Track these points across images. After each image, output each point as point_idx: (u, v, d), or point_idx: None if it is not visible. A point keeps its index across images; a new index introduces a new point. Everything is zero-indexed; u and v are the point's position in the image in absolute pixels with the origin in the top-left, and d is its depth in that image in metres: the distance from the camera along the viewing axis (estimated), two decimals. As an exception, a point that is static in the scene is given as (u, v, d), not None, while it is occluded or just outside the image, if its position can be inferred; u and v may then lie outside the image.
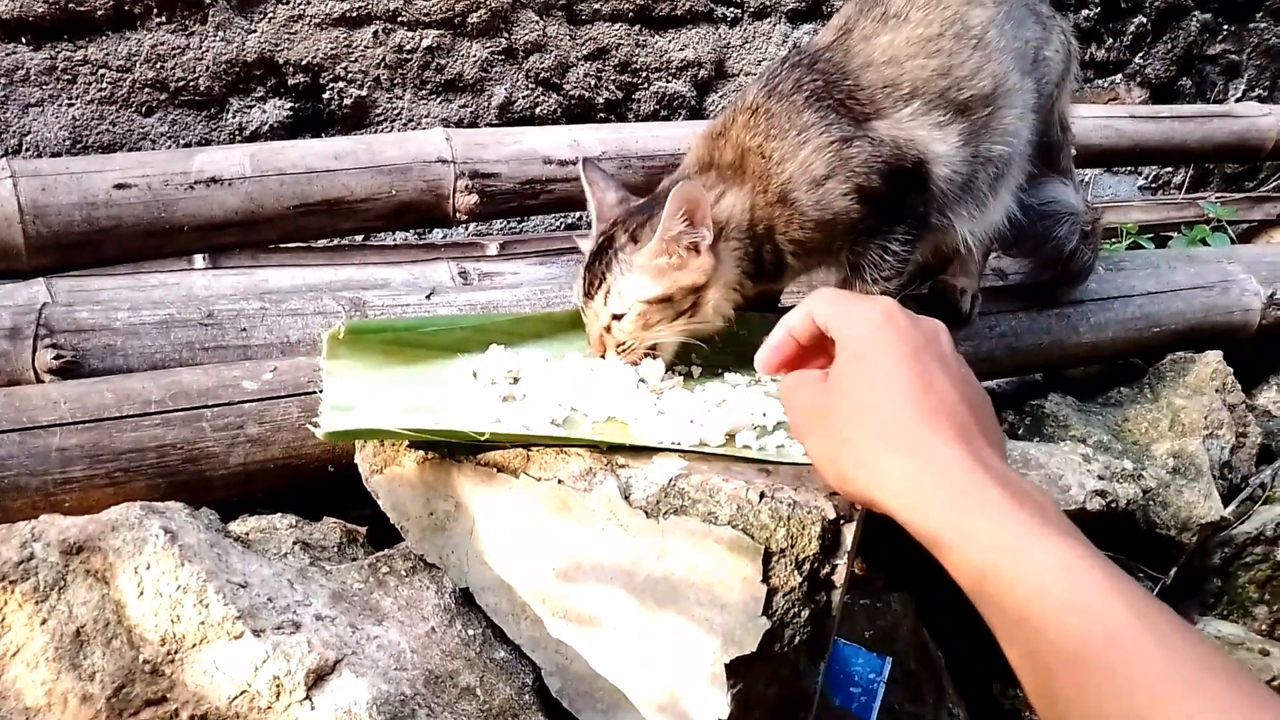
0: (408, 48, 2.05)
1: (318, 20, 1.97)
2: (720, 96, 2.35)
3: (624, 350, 1.04)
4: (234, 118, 2.00)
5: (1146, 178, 2.90)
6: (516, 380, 1.00)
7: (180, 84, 1.94)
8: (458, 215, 1.46)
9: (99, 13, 1.84)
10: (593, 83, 2.23)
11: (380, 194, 1.40)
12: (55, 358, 1.07)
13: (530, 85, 2.19)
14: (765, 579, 0.79)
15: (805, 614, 0.80)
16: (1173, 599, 1.41)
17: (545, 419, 0.91)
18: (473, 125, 2.16)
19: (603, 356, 1.05)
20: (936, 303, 1.39)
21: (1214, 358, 1.60)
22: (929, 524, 0.62)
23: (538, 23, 2.14)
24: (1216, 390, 1.56)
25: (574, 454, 0.87)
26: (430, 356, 1.04)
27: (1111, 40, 2.72)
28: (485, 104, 2.17)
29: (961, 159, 1.17)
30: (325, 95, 2.04)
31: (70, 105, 1.88)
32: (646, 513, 0.82)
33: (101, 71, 1.88)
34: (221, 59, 1.94)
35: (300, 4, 1.95)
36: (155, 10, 1.87)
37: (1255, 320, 1.73)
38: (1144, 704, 0.50)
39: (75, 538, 0.79)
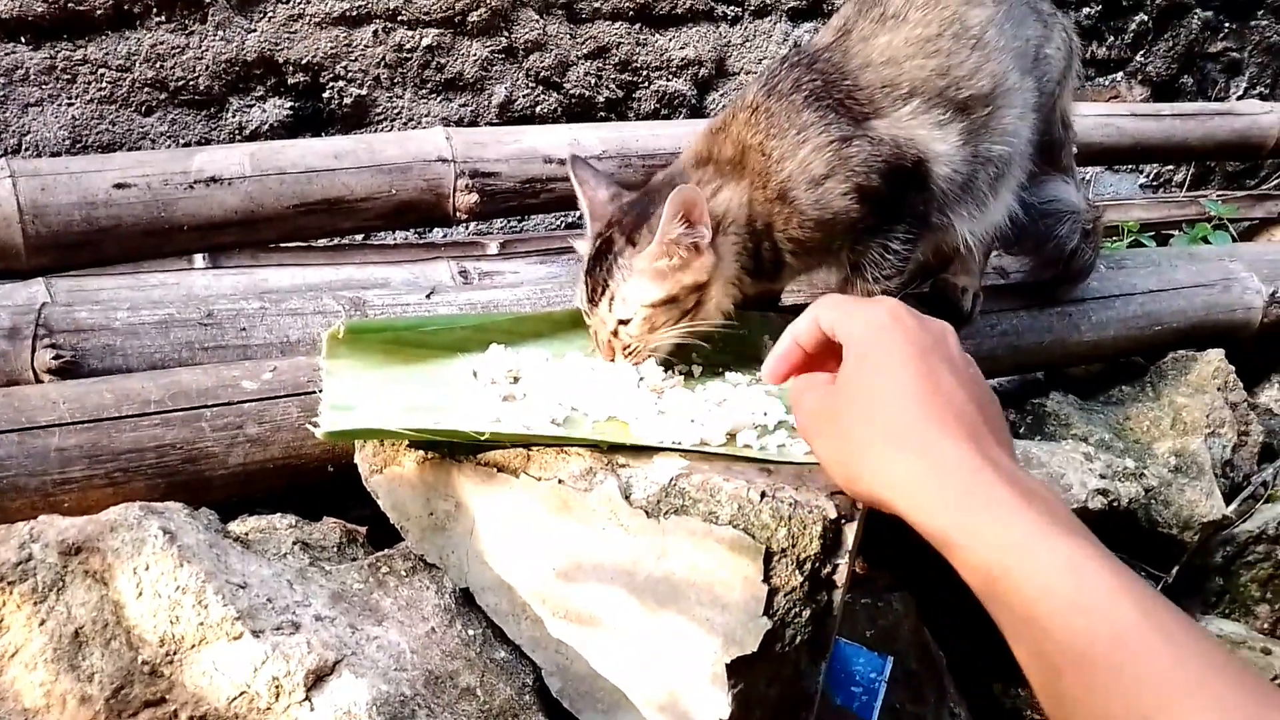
0: (408, 47, 2.05)
1: (317, 19, 1.97)
2: (721, 95, 2.35)
3: (631, 353, 1.03)
4: (234, 117, 2.00)
5: (1148, 176, 2.89)
6: (517, 379, 1.00)
7: (180, 83, 1.93)
8: (458, 214, 1.46)
9: (98, 12, 1.83)
10: (593, 81, 2.23)
11: (380, 193, 1.39)
12: (54, 358, 1.07)
13: (530, 84, 2.18)
14: (766, 579, 0.78)
15: (806, 614, 0.80)
16: (1175, 598, 1.39)
17: (545, 418, 0.90)
18: (473, 124, 2.15)
19: (613, 360, 1.04)
20: (938, 301, 1.39)
21: (1216, 356, 1.60)
22: (937, 523, 0.62)
23: (538, 21, 2.13)
24: (1218, 388, 1.55)
25: (574, 453, 0.87)
26: (430, 356, 1.04)
27: (1113, 38, 2.72)
28: (485, 103, 2.16)
29: (961, 158, 1.16)
30: (325, 94, 2.04)
31: (70, 105, 1.88)
32: (647, 512, 0.82)
33: (101, 71, 1.88)
34: (221, 58, 1.94)
35: (300, 3, 1.95)
36: (155, 10, 1.87)
37: (1257, 318, 1.72)
38: (1151, 703, 0.50)
39: (74, 538, 0.79)
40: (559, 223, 2.24)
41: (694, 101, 2.34)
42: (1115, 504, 1.26)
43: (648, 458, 0.87)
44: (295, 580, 0.85)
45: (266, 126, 2.02)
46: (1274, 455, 1.61)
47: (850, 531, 0.81)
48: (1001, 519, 0.60)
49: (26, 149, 1.87)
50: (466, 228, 2.03)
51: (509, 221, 2.22)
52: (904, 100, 1.13)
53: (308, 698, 0.74)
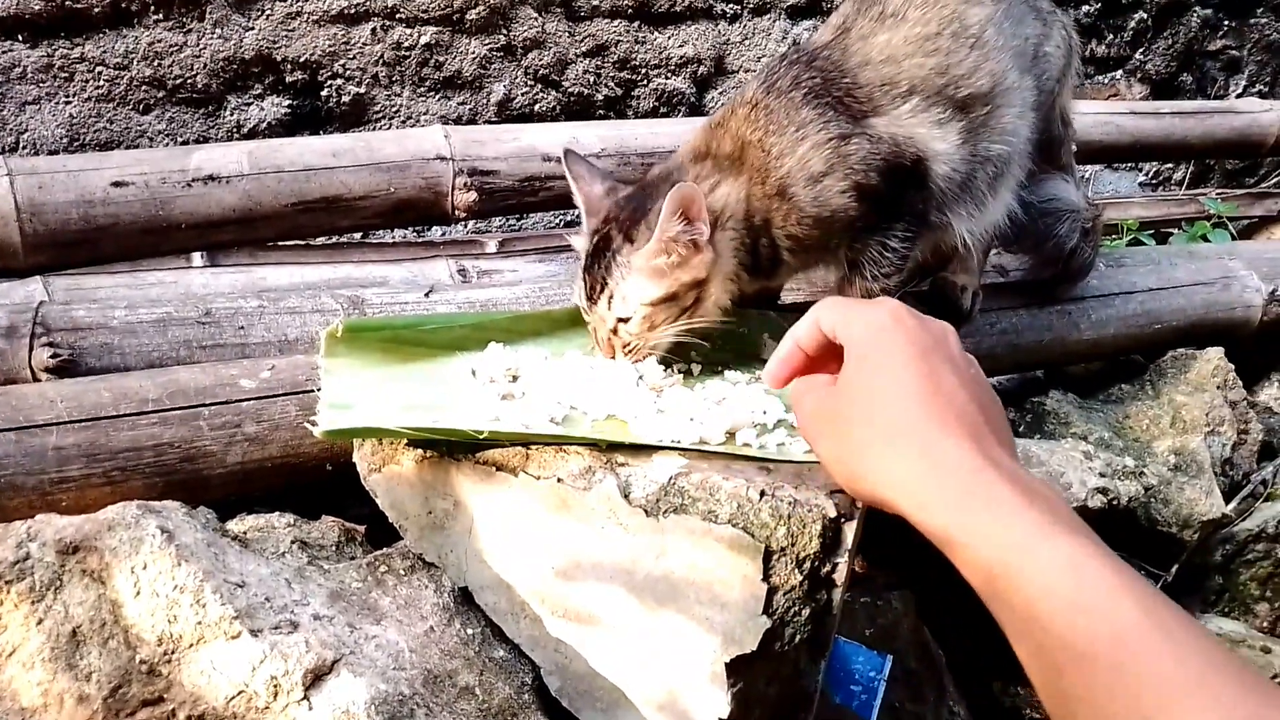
0: (406, 45, 2.05)
1: (315, 17, 1.97)
2: (720, 93, 2.35)
3: (631, 351, 1.03)
4: (232, 115, 2.00)
5: (1147, 174, 2.89)
6: (516, 378, 1.00)
7: (178, 81, 1.93)
8: (456, 213, 1.46)
9: (96, 10, 1.83)
10: (592, 79, 2.23)
11: (379, 191, 1.39)
12: (52, 356, 1.07)
13: (529, 82, 2.18)
14: (766, 577, 0.78)
15: (806, 612, 0.79)
16: (1174, 596, 1.39)
17: (544, 417, 0.90)
18: (471, 123, 2.15)
19: (613, 358, 1.04)
20: (937, 300, 1.39)
21: (1215, 354, 1.60)
22: (938, 522, 0.62)
23: (536, 19, 2.13)
24: (1218, 387, 1.55)
25: (573, 452, 0.87)
26: (429, 354, 1.03)
27: (1112, 36, 2.72)
28: (484, 101, 2.16)
29: (960, 157, 1.16)
30: (323, 93, 2.04)
31: (67, 103, 1.88)
32: (646, 511, 0.81)
33: (99, 69, 1.87)
34: (219, 56, 1.93)
35: (298, 1, 1.95)
36: (152, 7, 1.86)
37: (1256, 317, 1.72)
38: (1152, 702, 0.50)
39: (71, 537, 0.78)
40: (558, 221, 2.24)
41: (693, 100, 2.34)
42: (1115, 502, 1.26)
43: (647, 456, 0.87)
44: (293, 579, 0.85)
45: (264, 125, 2.01)
46: (1273, 453, 1.61)
47: (850, 530, 0.81)
48: (1003, 518, 0.60)
49: (24, 147, 1.87)
50: (465, 226, 2.03)
51: (508, 220, 2.22)
52: (903, 98, 1.13)
53: (306, 697, 0.74)
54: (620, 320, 1.03)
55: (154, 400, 1.00)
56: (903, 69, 1.13)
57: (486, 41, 2.11)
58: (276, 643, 0.75)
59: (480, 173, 1.45)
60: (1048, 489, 0.63)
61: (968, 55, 1.15)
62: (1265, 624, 1.41)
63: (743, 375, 1.05)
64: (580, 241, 1.11)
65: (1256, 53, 2.90)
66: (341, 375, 0.96)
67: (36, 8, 1.78)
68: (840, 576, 0.80)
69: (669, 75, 2.29)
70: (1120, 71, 2.77)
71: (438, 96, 2.12)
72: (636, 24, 2.23)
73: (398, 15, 2.02)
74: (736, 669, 0.78)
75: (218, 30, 1.92)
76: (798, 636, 0.80)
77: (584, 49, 2.20)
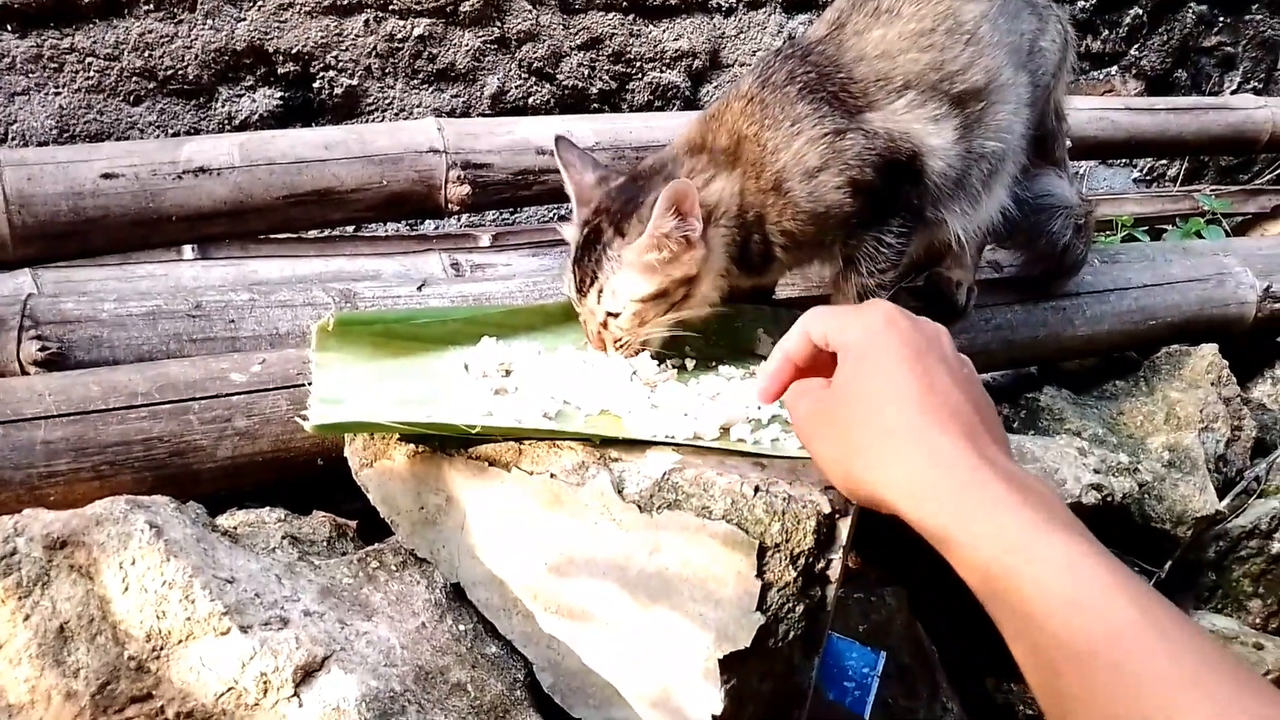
0: (399, 36, 2.04)
1: (308, 8, 1.95)
2: (715, 87, 2.34)
3: (622, 346, 1.03)
4: (223, 107, 1.98)
5: (1141, 170, 2.90)
6: (509, 373, 0.99)
7: (169, 73, 1.92)
8: (449, 206, 1.45)
9: (86, 0, 1.81)
10: (586, 73, 2.22)
11: (371, 184, 1.38)
12: (40, 349, 1.06)
13: (523, 75, 2.17)
14: (759, 574, 0.78)
15: (800, 609, 0.79)
16: (1167, 593, 1.39)
17: (537, 412, 0.90)
18: (465, 115, 2.14)
19: (604, 351, 1.04)
20: (932, 295, 1.38)
21: (1209, 351, 1.60)
22: (935, 522, 0.62)
23: (530, 11, 2.12)
24: (1212, 383, 1.55)
25: (566, 448, 0.86)
26: (421, 349, 1.03)
27: (1107, 32, 2.71)
28: (478, 94, 2.15)
29: (956, 153, 1.16)
30: (315, 84, 2.03)
31: (57, 94, 1.86)
32: (640, 507, 0.81)
33: (89, 60, 1.86)
34: (210, 47, 1.92)
35: (290, -8, 1.94)
36: (143, -2, 1.85)
37: (1250, 313, 1.72)
38: (1147, 701, 0.50)
39: (59, 532, 0.78)
40: (552, 215, 2.23)
41: (688, 93, 2.33)
42: (1109, 499, 1.26)
43: (640, 452, 0.86)
44: (284, 575, 0.85)
45: (256, 116, 2.00)
46: (1267, 450, 1.61)
47: (844, 526, 0.80)
48: (999, 517, 0.60)
49: (13, 138, 1.86)
50: (458, 220, 2.02)
51: (501, 213, 2.21)
52: (898, 93, 1.13)
53: (296, 694, 0.73)
54: (610, 315, 1.02)
55: (143, 394, 0.99)
56: (898, 64, 1.13)
57: (480, 34, 2.10)
58: (266, 639, 0.75)
59: (473, 166, 1.44)
60: (1043, 487, 0.63)
61: (962, 51, 1.15)
62: (1258, 620, 1.41)
63: (737, 370, 1.04)
64: (571, 232, 1.10)
65: (1251, 49, 2.90)
66: (333, 369, 0.95)
67: (26, -3, 1.77)
68: (834, 573, 0.80)
69: (664, 69, 2.28)
70: (1115, 67, 2.77)
71: (431, 89, 2.11)
72: (631, 17, 2.22)
73: (391, 7, 2.01)
74: (730, 665, 0.78)
75: (209, 21, 1.90)
76: (791, 633, 0.79)
77: (578, 42, 2.19)
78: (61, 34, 1.83)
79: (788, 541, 0.78)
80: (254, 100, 1.99)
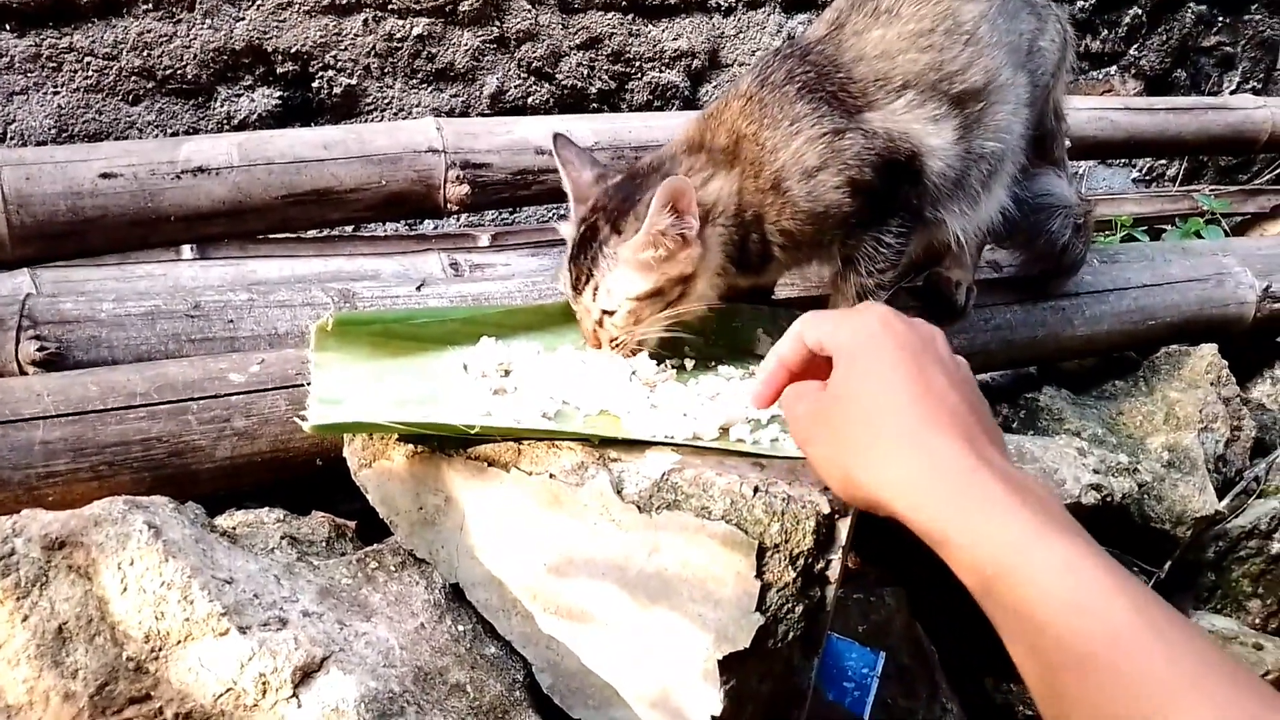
0: (398, 36, 2.03)
1: (307, 8, 1.95)
2: (714, 86, 2.34)
3: (617, 345, 1.02)
4: (222, 106, 1.98)
5: (1141, 170, 2.90)
6: (508, 373, 0.99)
7: (167, 72, 1.91)
8: (448, 206, 1.45)
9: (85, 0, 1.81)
10: (585, 72, 2.22)
11: (370, 184, 1.38)
12: (39, 349, 1.06)
13: (522, 74, 2.17)
14: (759, 574, 0.78)
15: (799, 609, 0.79)
16: (1167, 593, 1.40)
17: (536, 412, 0.89)
18: (464, 115, 2.14)
19: (599, 349, 1.03)
20: (931, 295, 1.38)
21: (1209, 351, 1.60)
22: (933, 523, 0.62)
23: (530, 11, 2.12)
24: (1211, 383, 1.55)
25: (566, 448, 0.86)
26: (420, 349, 1.02)
27: (1106, 32, 2.71)
28: (477, 93, 2.15)
29: (955, 154, 1.16)
30: (314, 84, 2.03)
31: (56, 93, 1.86)
32: (639, 507, 0.81)
33: (88, 59, 1.86)
34: (209, 47, 1.92)
35: (289, -9, 1.94)
36: (142, -3, 1.85)
37: (1250, 313, 1.72)
38: (1146, 703, 0.50)
39: (57, 533, 0.77)
40: (551, 215, 2.23)
41: (687, 93, 2.33)
42: (1108, 499, 1.26)
43: (640, 452, 0.86)
44: (283, 575, 0.84)
45: (255, 116, 2.00)
46: (1266, 450, 1.61)
47: (844, 527, 0.80)
48: (997, 518, 0.60)
49: (11, 138, 1.86)
50: (457, 219, 2.02)
51: (500, 213, 2.21)
52: (897, 93, 1.12)
53: (295, 694, 0.73)
54: (605, 313, 1.02)
55: (142, 394, 0.99)
56: (897, 64, 1.13)
57: (479, 33, 2.10)
58: (265, 640, 0.75)
59: (472, 165, 1.44)
60: (1040, 488, 0.63)
61: (962, 51, 1.15)
62: (1257, 621, 1.41)
63: (736, 371, 1.04)
64: (568, 229, 1.10)
65: (1250, 49, 2.90)
66: (332, 369, 0.95)
67: (24, -3, 1.77)
68: (834, 573, 0.80)
69: (663, 68, 2.28)
70: (1115, 67, 2.77)
71: (430, 88, 2.11)
72: (630, 17, 2.21)
73: (390, 6, 2.01)
74: (729, 666, 0.78)
75: (208, 20, 1.90)
76: (791, 633, 0.79)
77: (577, 41, 2.19)
78: (60, 33, 1.82)
79: (787, 542, 0.78)
80: (253, 100, 1.99)
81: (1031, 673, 0.56)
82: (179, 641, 0.75)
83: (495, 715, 0.81)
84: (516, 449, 0.87)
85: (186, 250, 1.61)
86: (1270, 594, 1.42)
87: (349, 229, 1.93)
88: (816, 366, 0.77)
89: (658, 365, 1.03)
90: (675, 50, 2.27)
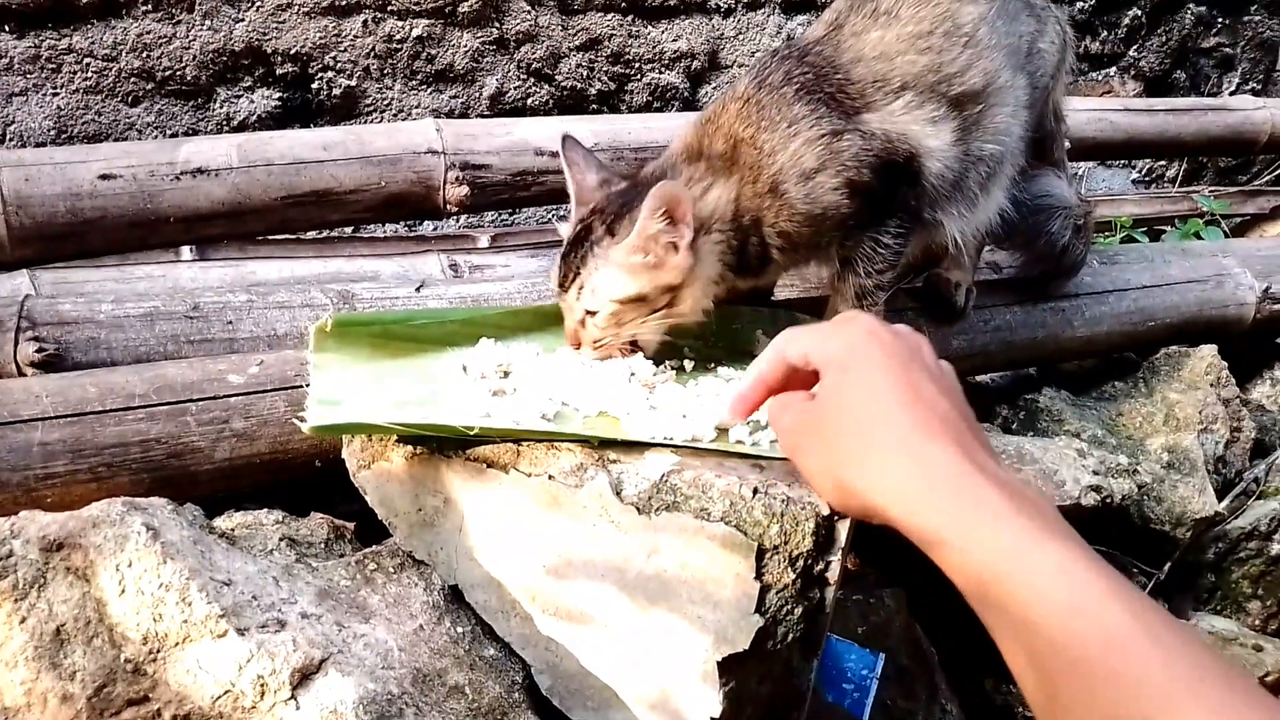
0: (397, 37, 2.03)
1: (306, 9, 1.95)
2: (714, 88, 2.34)
3: (598, 345, 1.02)
4: (221, 108, 1.98)
5: (1140, 171, 2.90)
6: (507, 374, 0.99)
7: (167, 73, 1.91)
8: (448, 207, 1.45)
9: (84, 1, 1.81)
10: (585, 73, 2.22)
11: (369, 185, 1.38)
12: (38, 350, 1.06)
13: (522, 76, 2.17)
14: (758, 576, 0.78)
15: (798, 611, 0.79)
16: (1166, 594, 1.41)
17: (536, 413, 0.89)
18: (464, 116, 2.14)
19: (578, 349, 1.03)
20: (930, 296, 1.38)
21: (1208, 352, 1.60)
22: (928, 528, 0.62)
23: (529, 12, 2.12)
24: (1211, 384, 1.55)
25: (565, 449, 0.86)
26: (419, 350, 1.02)
27: (1106, 33, 2.71)
28: (476, 95, 2.15)
29: (954, 155, 1.16)
30: (314, 85, 2.02)
31: (55, 95, 1.86)
32: (638, 509, 0.81)
33: (87, 60, 1.86)
34: (209, 48, 1.92)
35: (289, -7, 1.94)
36: (141, -1, 1.85)
37: (1250, 314, 1.72)
38: (1142, 707, 0.50)
39: (55, 534, 0.77)
40: (550, 216, 2.23)
41: (687, 94, 2.33)
42: (1108, 500, 1.26)
43: (639, 453, 0.86)
44: (281, 577, 0.84)
45: (254, 117, 2.00)
46: (1266, 451, 1.61)
47: (843, 528, 0.80)
48: (993, 524, 0.60)
49: (11, 139, 1.85)
50: (457, 220, 2.02)
51: (500, 214, 2.21)
52: (895, 94, 1.12)
53: (293, 696, 0.73)
54: (588, 313, 1.02)
55: (141, 395, 0.99)
56: (895, 66, 1.13)
57: (479, 34, 2.10)
58: (263, 641, 0.74)
59: (472, 166, 1.44)
60: (1035, 493, 0.64)
61: (960, 53, 1.15)
62: (1257, 622, 1.41)
63: (736, 372, 1.04)
64: (566, 229, 1.10)
65: (1250, 50, 2.90)
66: (331, 370, 0.95)
67: (24, -2, 1.77)
68: (833, 575, 0.80)
69: (663, 70, 2.28)
70: (1114, 68, 2.77)
71: (429, 90, 2.11)
72: (630, 18, 2.21)
73: (389, 7, 2.01)
74: (728, 668, 0.78)
75: (207, 22, 1.90)
76: (790, 635, 0.79)
77: (577, 43, 2.19)
78: (60, 35, 1.82)
79: (786, 543, 0.78)
80: (252, 101, 1.99)
81: (1026, 677, 0.56)
82: (177, 643, 0.75)
83: (494, 717, 0.81)
84: (515, 450, 0.87)
85: (186, 251, 1.61)
86: (1270, 595, 1.41)
87: (348, 230, 1.93)
88: (796, 382, 0.78)
89: (656, 366, 1.03)
90: (675, 51, 2.27)
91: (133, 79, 1.90)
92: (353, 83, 2.04)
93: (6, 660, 0.74)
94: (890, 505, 0.65)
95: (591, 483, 0.83)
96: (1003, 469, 0.66)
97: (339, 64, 2.02)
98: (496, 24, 2.10)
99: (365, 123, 2.08)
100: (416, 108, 2.11)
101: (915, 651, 1.17)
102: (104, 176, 1.23)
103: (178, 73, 1.92)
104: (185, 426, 0.99)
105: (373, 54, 2.03)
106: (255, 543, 0.91)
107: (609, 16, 2.19)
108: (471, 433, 0.85)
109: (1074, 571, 0.56)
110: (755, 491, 0.79)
